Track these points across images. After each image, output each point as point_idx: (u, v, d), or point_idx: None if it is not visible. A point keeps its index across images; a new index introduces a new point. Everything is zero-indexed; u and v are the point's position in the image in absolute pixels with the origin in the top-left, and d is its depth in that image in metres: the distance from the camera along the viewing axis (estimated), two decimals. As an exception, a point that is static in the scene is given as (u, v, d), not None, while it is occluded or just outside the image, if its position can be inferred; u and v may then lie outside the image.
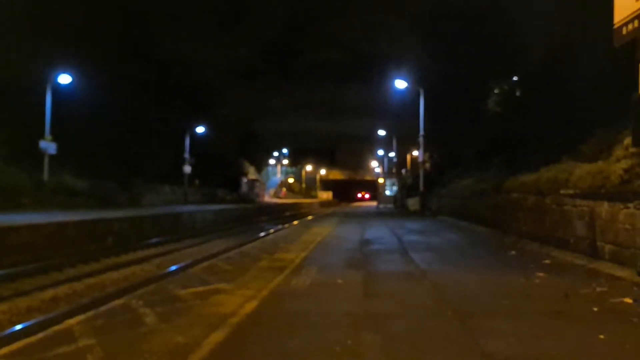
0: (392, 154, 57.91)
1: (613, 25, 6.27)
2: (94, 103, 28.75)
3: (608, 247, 8.47)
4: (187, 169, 39.99)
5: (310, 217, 34.56)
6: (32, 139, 23.28)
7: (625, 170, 8.09)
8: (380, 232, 16.28)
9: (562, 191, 10.26)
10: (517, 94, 23.50)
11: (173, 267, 12.77)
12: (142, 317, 5.18)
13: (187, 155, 40.06)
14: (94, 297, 9.38)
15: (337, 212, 38.46)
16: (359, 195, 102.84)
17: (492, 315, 5.25)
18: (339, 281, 7.21)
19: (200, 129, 42.33)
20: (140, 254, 15.63)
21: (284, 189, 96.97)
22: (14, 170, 22.08)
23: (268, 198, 74.17)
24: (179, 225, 23.01)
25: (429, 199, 30.57)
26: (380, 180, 63.85)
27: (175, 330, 4.69)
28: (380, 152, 71.53)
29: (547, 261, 9.12)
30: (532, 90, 20.80)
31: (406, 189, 45.59)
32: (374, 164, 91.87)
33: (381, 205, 52.13)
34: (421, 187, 31.51)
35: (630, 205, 7.71)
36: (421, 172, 31.77)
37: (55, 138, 23.92)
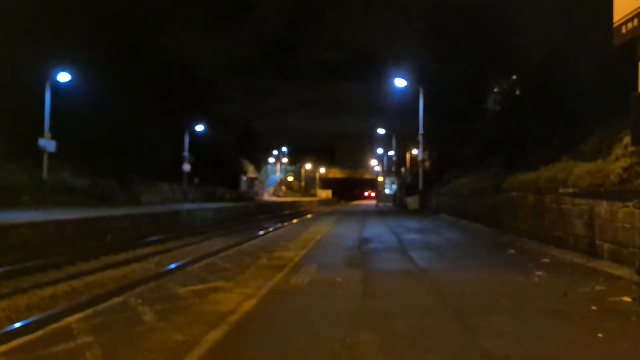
0: (391, 153, 57.91)
1: (612, 23, 6.26)
2: (93, 101, 28.71)
3: (607, 246, 8.47)
4: (187, 167, 39.97)
5: (309, 216, 34.56)
6: (31, 137, 23.26)
7: (625, 169, 8.10)
8: (379, 231, 16.28)
9: (561, 190, 10.27)
10: (517, 92, 23.49)
11: (172, 265, 12.78)
12: (141, 315, 5.18)
13: (186, 153, 40.03)
14: (93, 295, 9.39)
15: (336, 211, 38.45)
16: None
17: (491, 313, 5.26)
18: (338, 280, 7.21)
19: (199, 127, 42.30)
20: (139, 252, 15.63)
21: (284, 188, 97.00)
22: (13, 169, 22.07)
23: (267, 196, 74.20)
24: (178, 223, 23.02)
25: (428, 197, 30.59)
26: (380, 179, 63.83)
27: (174, 328, 4.69)
28: (380, 151, 71.54)
29: (546, 260, 9.13)
30: (531, 89, 20.79)
31: (405, 188, 45.58)
32: (374, 162, 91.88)
33: (380, 204, 52.07)
34: (420, 186, 31.52)
35: (630, 204, 7.71)
36: (420, 171, 31.78)
37: (54, 136, 23.89)
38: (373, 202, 61.44)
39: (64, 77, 25.04)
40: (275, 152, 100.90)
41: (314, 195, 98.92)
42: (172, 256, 15.17)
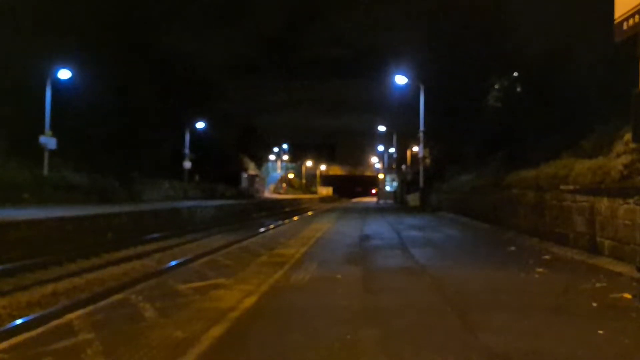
0: (392, 150, 57.89)
1: (613, 20, 6.25)
2: (94, 99, 28.73)
3: (608, 243, 8.47)
4: (187, 164, 39.98)
5: (310, 213, 34.57)
6: (32, 135, 23.27)
7: (625, 166, 8.09)
8: (379, 228, 16.28)
9: (562, 187, 10.26)
10: (518, 89, 23.45)
11: (173, 262, 12.79)
12: (141, 312, 5.19)
13: (187, 150, 40.04)
14: (94, 291, 9.40)
15: (337, 208, 38.47)
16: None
17: (492, 310, 5.26)
18: (339, 276, 7.22)
19: (200, 125, 42.28)
20: (140, 249, 15.64)
21: (284, 185, 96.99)
22: (14, 166, 22.10)
23: (268, 194, 74.22)
24: (179, 220, 23.03)
25: (428, 194, 30.58)
26: (380, 176, 63.83)
27: (175, 324, 4.69)
28: (381, 148, 71.49)
29: (546, 257, 9.13)
30: (532, 86, 20.76)
31: (406, 185, 45.60)
32: (374, 159, 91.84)
33: (381, 201, 52.15)
34: (421, 183, 31.53)
35: (630, 200, 7.70)
36: (421, 168, 31.78)
37: (55, 133, 23.90)
38: (374, 199, 61.46)
39: (64, 74, 25.04)
40: (276, 149, 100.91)
41: (315, 192, 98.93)
42: (173, 253, 15.18)
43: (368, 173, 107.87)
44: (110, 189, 28.12)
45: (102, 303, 5.74)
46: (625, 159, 8.21)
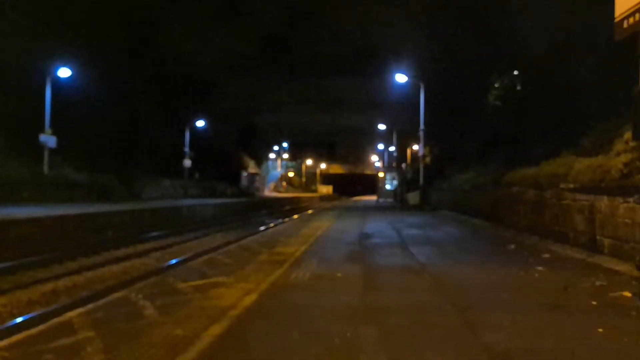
0: (392, 148, 57.83)
1: (614, 18, 6.25)
2: (94, 97, 28.70)
3: (607, 241, 8.47)
4: (187, 162, 39.96)
5: (310, 211, 34.57)
6: (32, 133, 23.26)
7: (625, 164, 8.09)
8: (380, 226, 16.29)
9: (562, 185, 10.27)
10: (518, 88, 23.45)
11: (173, 261, 12.80)
12: (142, 310, 5.19)
13: (187, 148, 40.01)
14: (94, 290, 9.41)
15: (337, 206, 38.49)
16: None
17: (491, 308, 5.26)
18: (339, 274, 7.22)
19: (200, 123, 42.26)
20: (140, 247, 15.65)
21: (284, 183, 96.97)
22: (14, 164, 22.07)
23: (268, 192, 74.22)
24: (179, 218, 23.03)
25: (428, 193, 30.58)
26: (380, 175, 63.81)
27: (175, 323, 4.70)
28: (381, 147, 71.43)
29: (546, 255, 9.13)
30: (532, 84, 20.77)
31: (406, 183, 45.57)
32: (374, 158, 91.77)
33: (381, 200, 52.11)
34: (421, 181, 31.52)
35: (630, 199, 7.71)
36: (421, 166, 31.78)
37: (55, 132, 23.89)
38: (374, 197, 61.45)
39: (64, 72, 25.01)
40: (276, 147, 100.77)
41: (315, 191, 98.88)
42: (173, 251, 15.18)
43: (368, 171, 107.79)
44: (110, 187, 28.10)
45: (102, 301, 5.74)
46: (625, 158, 8.21)
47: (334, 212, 27.64)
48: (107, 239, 16.14)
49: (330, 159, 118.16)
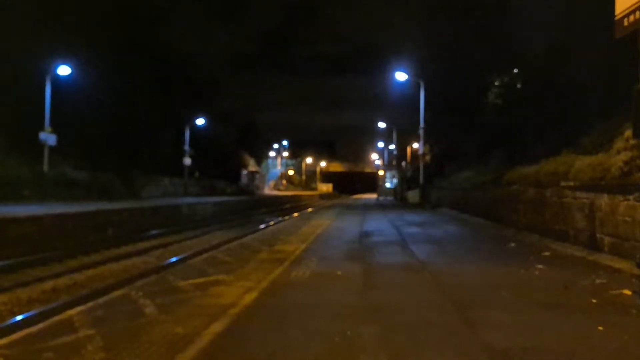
0: (392, 147, 57.82)
1: (614, 16, 6.24)
2: (94, 95, 28.67)
3: (607, 240, 8.48)
4: (187, 161, 39.95)
5: (310, 210, 34.57)
6: (32, 131, 23.24)
7: (626, 163, 8.09)
8: (379, 225, 16.29)
9: (562, 183, 10.26)
10: (518, 86, 23.44)
11: (173, 259, 12.80)
12: (142, 308, 5.20)
13: (187, 147, 40.01)
14: (94, 288, 9.41)
15: (337, 205, 38.46)
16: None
17: (492, 306, 5.26)
18: (339, 273, 7.23)
19: (200, 121, 42.24)
20: (140, 245, 15.65)
21: (284, 181, 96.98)
22: (13, 162, 22.06)
23: (268, 190, 74.19)
24: (179, 217, 23.04)
25: (429, 191, 30.59)
26: (380, 173, 63.81)
27: (175, 321, 4.70)
28: (381, 145, 71.43)
29: (546, 253, 9.13)
30: (532, 82, 20.75)
31: (406, 182, 45.60)
32: (374, 156, 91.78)
33: (381, 198, 52.11)
34: (421, 180, 31.53)
35: (630, 197, 7.71)
36: (421, 165, 31.78)
37: (55, 130, 23.88)
38: (374, 196, 61.46)
39: (64, 70, 24.98)
40: (276, 145, 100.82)
41: (315, 189, 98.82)
42: (173, 250, 15.19)
43: (368, 170, 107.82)
44: (110, 186, 28.08)
45: (103, 299, 5.75)
46: (625, 156, 8.21)
47: (334, 210, 27.64)
48: (107, 237, 16.15)
49: (330, 157, 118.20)
